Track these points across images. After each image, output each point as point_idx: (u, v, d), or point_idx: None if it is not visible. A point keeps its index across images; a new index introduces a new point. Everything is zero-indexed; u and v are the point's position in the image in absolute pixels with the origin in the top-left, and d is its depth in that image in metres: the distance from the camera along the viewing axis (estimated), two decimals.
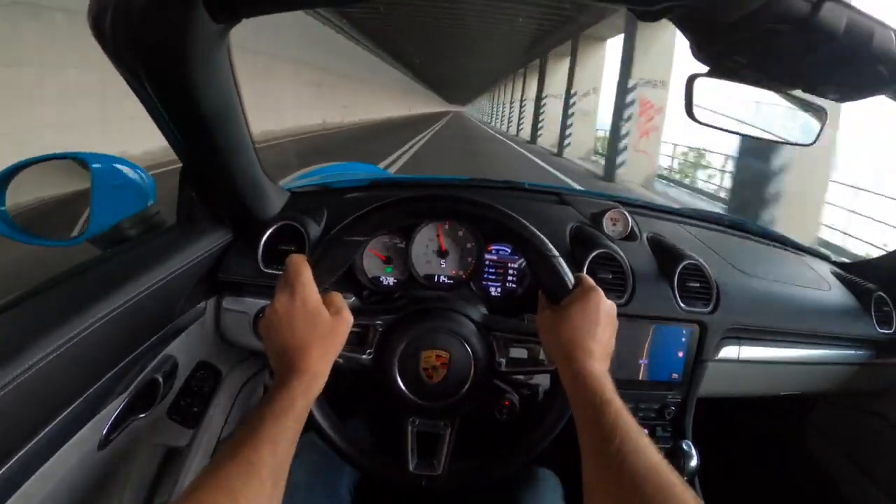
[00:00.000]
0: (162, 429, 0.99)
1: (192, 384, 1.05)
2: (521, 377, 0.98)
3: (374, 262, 1.11)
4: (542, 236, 0.83)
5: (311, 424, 0.77)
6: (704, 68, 0.67)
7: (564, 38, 19.67)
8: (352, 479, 1.01)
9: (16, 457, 0.61)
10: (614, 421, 0.59)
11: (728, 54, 0.63)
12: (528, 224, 0.83)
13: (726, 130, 0.74)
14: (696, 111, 0.68)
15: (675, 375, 1.08)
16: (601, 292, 0.76)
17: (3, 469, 0.59)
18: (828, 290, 1.25)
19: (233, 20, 0.62)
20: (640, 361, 1.07)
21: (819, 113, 0.78)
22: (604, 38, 18.05)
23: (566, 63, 19.56)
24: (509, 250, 1.11)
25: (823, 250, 1.48)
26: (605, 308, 0.75)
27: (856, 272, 1.34)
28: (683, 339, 1.08)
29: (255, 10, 0.61)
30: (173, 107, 0.74)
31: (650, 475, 0.52)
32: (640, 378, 1.07)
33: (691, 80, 0.66)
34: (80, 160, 0.92)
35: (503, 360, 0.85)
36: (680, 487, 0.51)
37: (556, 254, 0.82)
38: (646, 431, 0.59)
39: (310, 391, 0.66)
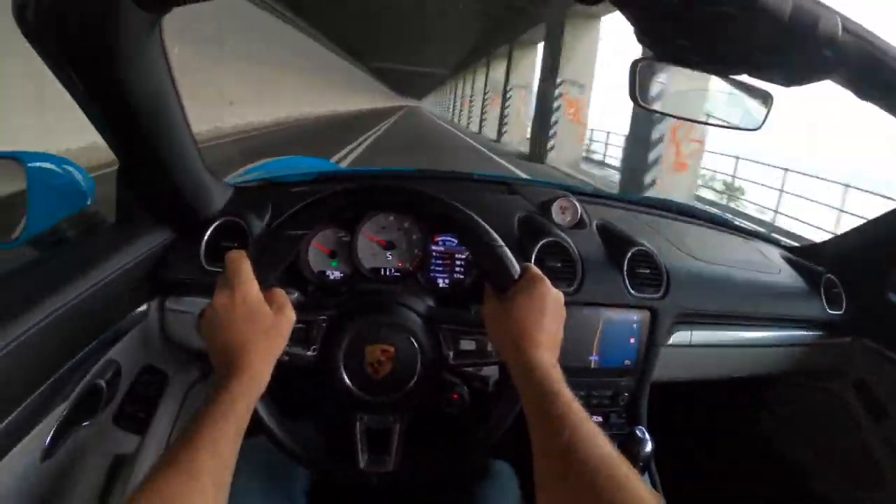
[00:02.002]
0: (108, 436, 0.96)
1: (138, 389, 1.01)
2: (470, 369, 0.97)
3: (319, 257, 1.08)
4: (486, 226, 0.81)
5: (260, 427, 0.75)
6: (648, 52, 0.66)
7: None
8: (307, 480, 0.98)
9: None
10: (563, 412, 0.58)
11: (672, 39, 0.62)
12: (471, 214, 0.81)
13: (671, 115, 0.73)
14: (639, 96, 0.66)
15: (627, 362, 1.09)
16: (547, 281, 0.75)
17: None
18: (777, 273, 1.27)
19: (161, 9, 0.59)
20: (592, 349, 1.06)
21: (765, 98, 0.77)
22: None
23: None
24: (456, 241, 1.10)
25: (773, 235, 1.50)
26: (552, 297, 0.74)
27: (804, 255, 1.37)
28: (635, 326, 1.08)
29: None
30: (104, 101, 0.70)
31: (601, 465, 0.51)
32: (593, 366, 1.07)
33: (635, 64, 0.65)
34: (15, 159, 0.86)
35: (451, 353, 0.84)
36: (633, 477, 0.50)
37: (501, 243, 0.80)
38: (599, 419, 0.58)
39: (251, 391, 0.64)
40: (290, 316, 0.72)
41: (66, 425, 0.78)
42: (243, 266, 0.69)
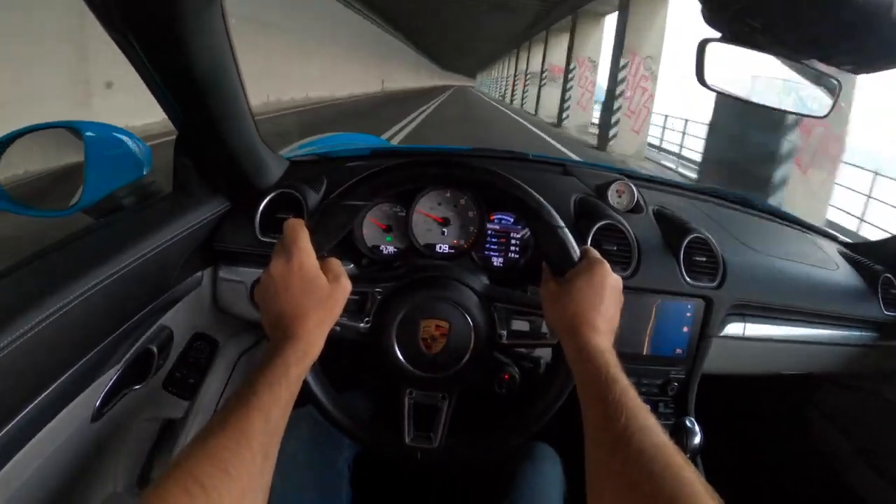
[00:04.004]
0: (157, 400, 0.99)
1: (189, 355, 1.04)
2: (522, 350, 0.97)
3: (374, 231, 1.09)
4: (549, 206, 0.80)
5: (308, 397, 0.76)
6: (716, 34, 0.65)
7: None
8: (351, 452, 0.99)
9: (7, 426, 0.60)
10: (620, 398, 0.58)
11: (741, 18, 0.62)
12: (534, 193, 0.81)
13: (737, 98, 0.73)
14: (706, 77, 0.66)
15: (678, 351, 1.07)
16: (607, 265, 0.74)
17: None
18: (835, 269, 1.24)
19: None
20: (644, 336, 1.06)
21: (833, 85, 0.76)
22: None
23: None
24: (512, 220, 1.10)
25: (830, 230, 1.46)
26: (611, 282, 0.73)
27: (863, 253, 1.33)
28: (688, 314, 1.06)
29: None
30: (165, 71, 0.72)
31: (657, 454, 0.51)
32: (644, 353, 1.06)
33: (703, 44, 0.65)
34: (73, 129, 0.89)
35: (504, 333, 0.83)
36: (688, 468, 0.50)
37: (563, 224, 0.79)
38: (648, 408, 0.58)
39: (305, 359, 0.64)
40: (346, 286, 0.72)
41: (118, 387, 0.80)
42: (301, 234, 0.69)
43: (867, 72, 0.67)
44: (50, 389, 0.66)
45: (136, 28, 0.64)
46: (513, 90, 40.10)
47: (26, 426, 0.63)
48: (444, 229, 1.07)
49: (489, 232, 1.09)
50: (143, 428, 0.98)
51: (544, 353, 0.97)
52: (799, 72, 0.74)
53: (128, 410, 0.88)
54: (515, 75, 40.56)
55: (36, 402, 0.64)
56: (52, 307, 0.65)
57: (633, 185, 1.16)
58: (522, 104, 31.73)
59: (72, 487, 0.79)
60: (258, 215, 1.03)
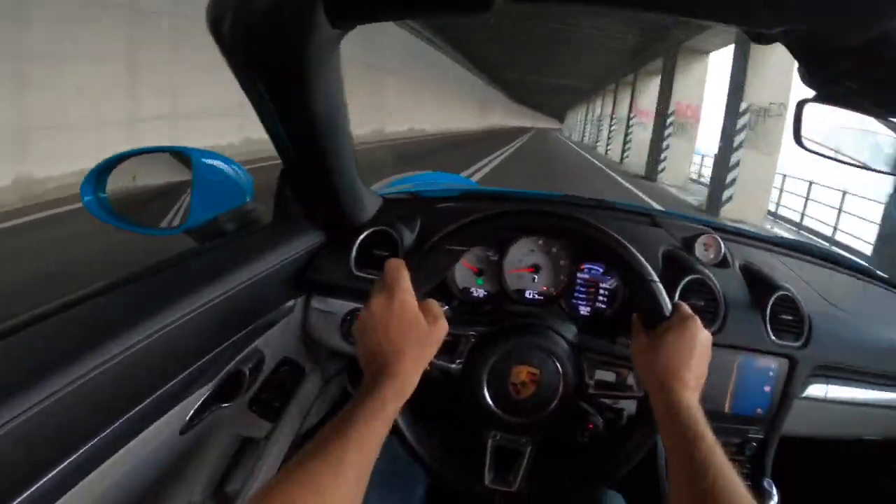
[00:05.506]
0: (241, 419, 1.02)
1: (275, 379, 1.07)
2: (606, 400, 0.96)
3: (465, 274, 1.11)
4: (643, 259, 0.82)
5: (393, 428, 0.78)
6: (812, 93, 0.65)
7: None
8: (426, 484, 1.01)
9: (104, 432, 0.63)
10: (707, 456, 0.58)
11: (840, 80, 0.61)
12: (628, 245, 0.82)
13: (833, 159, 0.71)
14: (804, 139, 0.66)
15: (759, 411, 1.04)
16: (698, 321, 0.75)
17: (90, 444, 0.61)
18: None
19: (350, 26, 0.63)
20: (726, 393, 1.03)
21: None
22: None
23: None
24: (602, 270, 1.10)
25: None
26: (702, 338, 0.74)
27: None
28: (771, 374, 1.03)
29: (374, 17, 0.61)
30: (285, 110, 0.75)
31: None
32: (725, 411, 1.03)
33: (801, 105, 0.65)
34: (181, 154, 0.96)
35: (591, 382, 0.84)
36: None
37: (656, 278, 0.81)
38: (734, 467, 0.57)
39: (400, 395, 0.66)
40: (445, 327, 0.73)
41: (208, 404, 0.83)
42: (403, 274, 0.71)
43: None
44: (147, 402, 0.70)
45: (264, 67, 0.67)
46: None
47: (122, 434, 0.66)
48: (535, 276, 1.08)
49: (579, 281, 1.10)
50: (226, 444, 1.01)
51: (626, 405, 0.97)
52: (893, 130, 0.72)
53: (214, 426, 0.92)
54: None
55: (133, 412, 0.67)
56: (155, 326, 0.68)
57: (720, 239, 1.14)
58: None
59: (155, 494, 0.82)
60: (354, 250, 1.06)
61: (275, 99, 0.72)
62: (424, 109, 23.78)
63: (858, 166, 0.74)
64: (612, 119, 31.07)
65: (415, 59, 21.86)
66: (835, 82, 0.62)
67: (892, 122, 0.70)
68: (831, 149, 0.70)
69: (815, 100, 0.65)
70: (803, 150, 0.67)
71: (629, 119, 23.07)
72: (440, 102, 27.53)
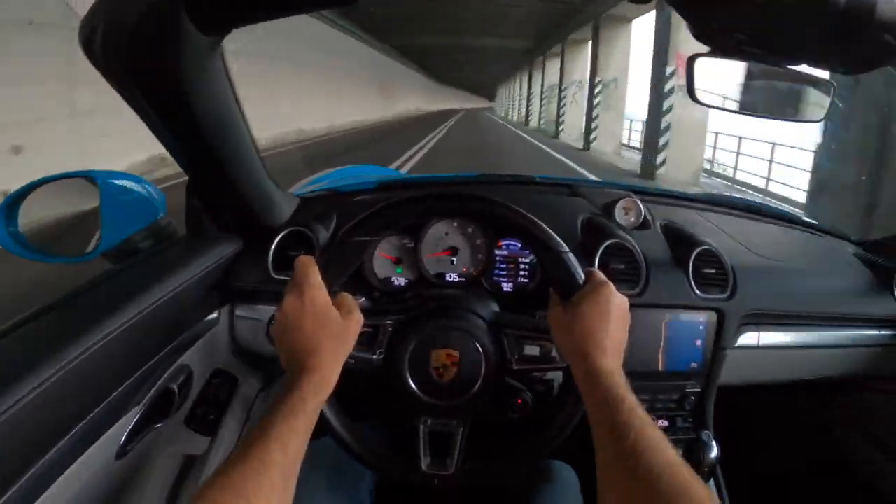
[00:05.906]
0: (179, 437, 1.00)
1: (208, 392, 1.06)
2: (534, 374, 0.98)
3: (384, 264, 1.11)
4: (551, 231, 0.82)
5: (326, 428, 0.78)
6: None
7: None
8: (372, 480, 1.01)
9: (35, 466, 0.61)
10: (628, 418, 0.59)
11: (728, 31, 0.62)
12: (535, 219, 0.82)
13: (730, 111, 0.73)
14: (698, 93, 0.67)
15: (693, 365, 1.06)
16: (612, 286, 0.75)
17: (24, 479, 0.59)
18: (848, 269, 1.22)
19: (222, 32, 0.63)
20: (658, 352, 1.05)
21: (826, 88, 0.76)
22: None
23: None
24: (520, 245, 1.10)
25: (843, 230, 1.43)
26: (617, 302, 0.74)
27: (876, 251, 1.31)
28: (701, 328, 1.05)
29: (242, 21, 0.61)
30: (171, 121, 0.74)
31: (665, 472, 0.52)
32: (659, 369, 1.05)
33: (692, 60, 0.65)
34: (89, 178, 0.94)
35: (515, 358, 0.85)
36: (696, 484, 0.51)
37: (566, 249, 0.81)
38: (664, 423, 0.58)
39: (320, 391, 0.67)
40: (359, 319, 0.74)
41: (141, 426, 0.82)
42: (312, 271, 0.71)
43: (861, 72, 0.67)
44: (76, 429, 0.68)
45: (141, 81, 0.66)
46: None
47: (54, 465, 0.64)
48: (454, 258, 1.09)
49: (498, 258, 1.10)
50: (166, 464, 0.99)
51: (557, 376, 0.98)
52: (791, 79, 0.74)
53: (151, 448, 0.90)
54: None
55: (62, 441, 0.66)
56: (76, 351, 0.66)
57: (639, 202, 1.16)
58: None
59: None
60: (271, 253, 1.05)
61: (160, 112, 0.71)
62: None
63: (757, 116, 0.76)
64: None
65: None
66: (723, 34, 0.63)
67: (790, 69, 0.72)
68: (730, 99, 0.72)
69: (708, 55, 0.66)
70: (700, 105, 0.67)
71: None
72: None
